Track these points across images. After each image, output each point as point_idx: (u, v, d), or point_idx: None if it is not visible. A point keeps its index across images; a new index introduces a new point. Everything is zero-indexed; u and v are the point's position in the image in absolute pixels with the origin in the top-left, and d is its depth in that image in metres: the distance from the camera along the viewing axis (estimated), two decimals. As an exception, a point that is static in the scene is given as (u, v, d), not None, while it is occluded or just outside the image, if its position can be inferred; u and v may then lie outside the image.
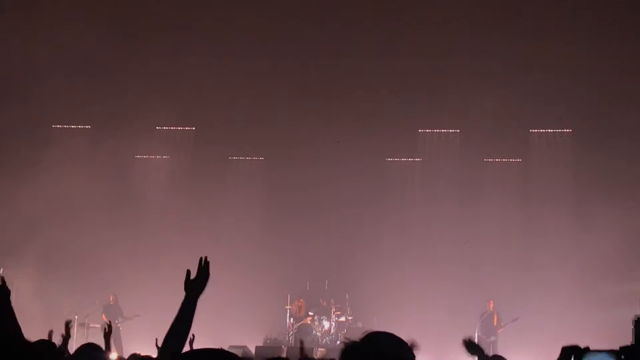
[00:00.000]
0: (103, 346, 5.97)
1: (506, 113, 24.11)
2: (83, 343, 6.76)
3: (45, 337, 8.71)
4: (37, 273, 22.62)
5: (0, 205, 23.35)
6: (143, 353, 9.01)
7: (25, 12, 24.36)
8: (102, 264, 23.66)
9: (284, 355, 20.10)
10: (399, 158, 26.48)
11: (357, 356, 3.31)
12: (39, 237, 22.99)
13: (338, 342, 22.77)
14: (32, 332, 8.90)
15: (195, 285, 4.96)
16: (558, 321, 21.55)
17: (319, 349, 22.16)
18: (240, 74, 24.08)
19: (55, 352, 4.43)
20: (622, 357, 2.81)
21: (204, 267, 5.13)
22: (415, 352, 3.42)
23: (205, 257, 5.13)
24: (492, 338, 22.25)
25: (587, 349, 2.84)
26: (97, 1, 24.94)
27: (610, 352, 2.85)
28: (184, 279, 4.93)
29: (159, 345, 4.77)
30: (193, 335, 10.36)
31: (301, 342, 8.50)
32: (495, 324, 22.37)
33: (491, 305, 22.54)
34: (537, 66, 23.78)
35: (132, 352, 8.90)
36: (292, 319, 23.53)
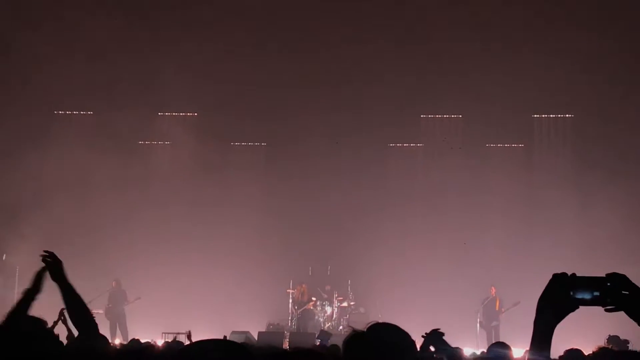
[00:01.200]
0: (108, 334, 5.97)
1: (508, 98, 24.13)
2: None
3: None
4: (38, 259, 22.64)
5: (3, 190, 23.37)
6: (145, 338, 9.08)
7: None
8: (105, 249, 23.72)
9: (286, 340, 20.18)
10: (401, 144, 26.48)
11: (361, 346, 3.33)
12: (41, 223, 23.00)
13: (340, 327, 22.83)
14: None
15: (53, 274, 5.30)
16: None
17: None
18: (243, 60, 24.06)
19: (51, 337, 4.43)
20: (608, 284, 2.93)
21: (49, 257, 5.33)
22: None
23: (44, 251, 5.29)
24: (494, 323, 22.33)
25: (574, 275, 2.96)
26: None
27: (597, 278, 2.97)
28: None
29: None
30: (189, 331, 10.45)
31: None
32: (497, 308, 22.44)
33: (493, 291, 22.60)
34: (539, 51, 23.73)
35: (136, 336, 8.94)
36: (295, 305, 23.57)
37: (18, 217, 23.20)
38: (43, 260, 5.33)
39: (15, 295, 22.85)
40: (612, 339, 12.21)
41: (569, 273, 3.05)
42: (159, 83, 24.73)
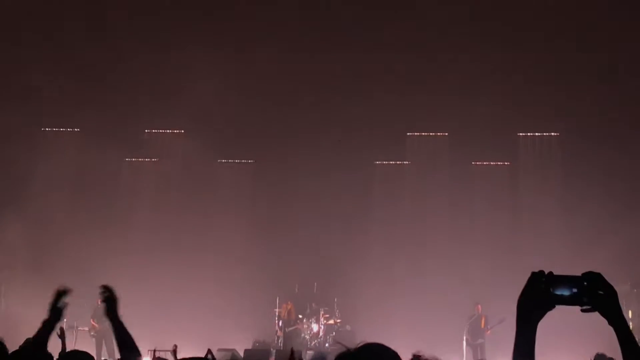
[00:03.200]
0: (93, 352, 5.97)
1: (494, 116, 24.23)
2: (72, 348, 6.78)
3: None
4: (26, 276, 22.53)
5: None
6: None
7: (15, 15, 24.37)
8: (91, 267, 23.61)
9: (272, 358, 20.14)
10: (388, 161, 26.53)
11: None
12: (27, 240, 22.95)
13: (327, 345, 22.80)
14: (22, 336, 8.95)
15: (108, 310, 5.32)
16: (546, 324, 21.60)
17: (308, 351, 22.20)
18: (230, 77, 24.08)
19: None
20: (585, 283, 3.01)
21: (107, 292, 5.35)
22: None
23: (104, 285, 5.37)
24: (480, 340, 22.33)
25: (551, 273, 3.03)
26: (88, 2, 24.91)
27: (574, 277, 3.05)
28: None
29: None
30: (175, 346, 10.41)
31: (292, 351, 8.51)
32: (482, 326, 22.45)
33: (479, 308, 22.61)
34: (525, 70, 23.86)
35: (117, 354, 8.92)
36: (280, 323, 23.52)
37: (5, 236, 23.12)
38: (101, 295, 5.31)
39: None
40: (599, 357, 12.23)
41: (545, 271, 3.14)
42: (146, 100, 24.78)
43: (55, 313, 5.48)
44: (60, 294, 5.52)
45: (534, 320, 3.11)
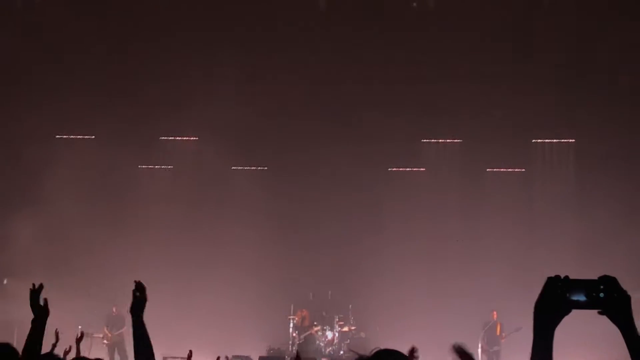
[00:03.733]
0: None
1: (508, 123, 24.17)
2: (85, 355, 6.79)
3: (50, 347, 8.78)
4: (42, 280, 22.58)
5: (4, 213, 23.41)
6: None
7: (28, 20, 24.50)
8: (104, 274, 23.67)
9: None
10: (402, 168, 26.48)
11: None
12: (42, 247, 23.02)
13: (341, 352, 22.76)
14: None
15: (134, 307, 5.22)
16: (562, 332, 21.50)
17: (322, 359, 22.18)
18: (244, 84, 24.12)
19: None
20: (602, 287, 2.98)
21: (139, 290, 5.29)
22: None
23: (139, 281, 5.34)
24: (496, 348, 22.26)
25: (567, 278, 3.01)
26: (101, 10, 25.01)
27: (590, 281, 3.03)
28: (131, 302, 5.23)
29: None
30: (190, 351, 10.38)
31: (297, 353, 8.48)
32: (498, 333, 22.38)
33: (495, 315, 22.54)
34: (539, 76, 23.78)
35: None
36: (296, 330, 23.50)
37: (14, 239, 23.18)
38: (133, 291, 5.27)
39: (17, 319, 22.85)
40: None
41: (561, 275, 3.12)
42: (160, 107, 24.86)
43: (40, 311, 5.51)
44: (35, 292, 5.56)
45: (552, 326, 3.09)
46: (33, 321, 5.54)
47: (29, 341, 5.43)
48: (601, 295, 3.01)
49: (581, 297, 3.04)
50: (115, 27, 24.77)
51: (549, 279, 3.10)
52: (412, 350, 3.59)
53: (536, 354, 3.10)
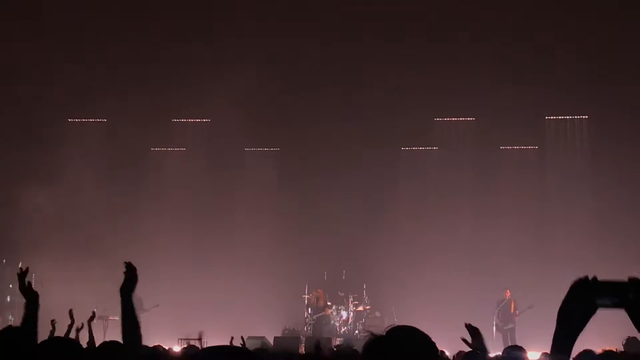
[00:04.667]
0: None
1: (521, 100, 24.05)
2: (103, 339, 6.84)
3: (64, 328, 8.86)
4: (55, 267, 22.66)
5: (19, 198, 23.49)
6: (162, 344, 9.10)
7: (40, 6, 24.48)
8: (119, 256, 23.68)
9: (302, 345, 20.17)
10: (415, 147, 26.42)
11: (380, 350, 3.30)
12: (55, 227, 23.11)
13: (356, 332, 22.82)
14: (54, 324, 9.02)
15: (124, 287, 5.15)
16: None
17: (337, 338, 22.22)
18: (256, 65, 24.05)
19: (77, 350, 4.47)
20: (631, 288, 2.90)
21: (129, 270, 5.22)
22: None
23: (129, 262, 5.28)
24: (510, 325, 22.28)
25: (595, 279, 2.93)
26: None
27: (620, 283, 2.94)
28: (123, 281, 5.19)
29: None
30: (201, 332, 10.42)
31: (318, 343, 8.42)
32: (512, 311, 22.38)
33: (507, 293, 22.53)
34: (552, 53, 23.65)
35: (152, 342, 8.96)
36: (310, 309, 23.57)
37: (31, 222, 23.27)
38: (124, 272, 5.26)
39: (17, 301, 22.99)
40: (630, 341, 12.09)
41: (589, 276, 3.01)
42: (172, 89, 24.87)
43: (29, 293, 5.53)
44: (22, 275, 5.58)
45: (578, 329, 3.01)
46: (25, 304, 5.56)
47: (24, 324, 5.45)
48: (630, 296, 2.93)
49: (608, 300, 2.96)
50: (127, 10, 24.71)
51: (576, 283, 3.01)
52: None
53: (558, 352, 3.03)
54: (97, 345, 6.87)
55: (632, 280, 2.94)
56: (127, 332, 5.04)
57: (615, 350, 9.48)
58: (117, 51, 24.86)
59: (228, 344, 10.42)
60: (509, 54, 23.75)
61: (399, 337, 3.33)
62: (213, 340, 9.33)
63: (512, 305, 22.40)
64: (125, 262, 5.31)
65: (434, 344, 3.36)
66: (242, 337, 10.27)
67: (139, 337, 5.04)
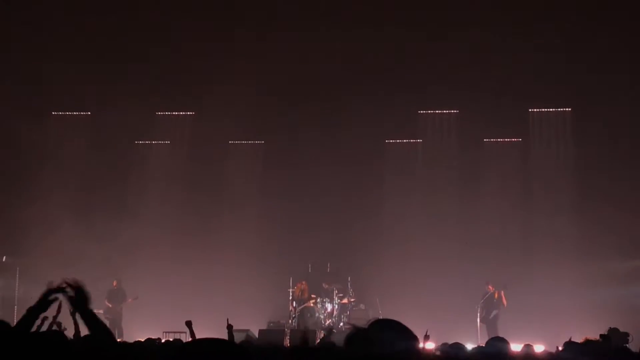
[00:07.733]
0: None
1: (505, 92, 24.11)
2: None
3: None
4: (38, 260, 22.61)
5: (3, 191, 23.43)
6: (146, 336, 9.12)
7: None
8: (105, 248, 23.66)
9: (287, 338, 20.21)
10: (399, 139, 26.44)
11: (363, 342, 3.33)
12: (39, 224, 23.01)
13: (341, 324, 22.85)
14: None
15: (77, 304, 4.88)
16: (560, 301, 21.61)
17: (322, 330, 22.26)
18: (240, 58, 24.02)
19: (65, 342, 4.45)
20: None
21: (73, 290, 4.85)
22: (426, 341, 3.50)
23: (68, 282, 4.85)
24: (494, 312, 22.31)
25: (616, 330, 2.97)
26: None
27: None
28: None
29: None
30: (189, 321, 10.42)
31: (305, 334, 8.47)
32: (496, 297, 22.38)
33: (490, 288, 22.56)
34: (535, 45, 23.69)
35: (133, 335, 8.97)
36: (294, 302, 23.59)
37: (19, 220, 23.19)
38: (68, 294, 4.86)
39: (17, 296, 22.93)
40: (612, 331, 12.24)
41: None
42: (156, 82, 24.80)
43: (44, 304, 5.36)
44: (55, 291, 5.25)
45: None
46: (31, 309, 5.43)
47: (20, 325, 5.37)
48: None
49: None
50: (111, 3, 24.62)
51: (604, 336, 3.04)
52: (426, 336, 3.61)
53: None
54: (82, 335, 6.84)
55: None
56: (97, 334, 4.92)
57: (597, 339, 9.60)
58: (102, 44, 24.75)
59: (226, 326, 10.47)
60: (493, 45, 23.76)
61: (380, 329, 3.36)
62: (198, 333, 9.34)
63: (496, 295, 22.43)
64: (65, 283, 4.88)
65: (415, 336, 3.39)
66: (227, 320, 10.38)
67: (109, 334, 4.93)
